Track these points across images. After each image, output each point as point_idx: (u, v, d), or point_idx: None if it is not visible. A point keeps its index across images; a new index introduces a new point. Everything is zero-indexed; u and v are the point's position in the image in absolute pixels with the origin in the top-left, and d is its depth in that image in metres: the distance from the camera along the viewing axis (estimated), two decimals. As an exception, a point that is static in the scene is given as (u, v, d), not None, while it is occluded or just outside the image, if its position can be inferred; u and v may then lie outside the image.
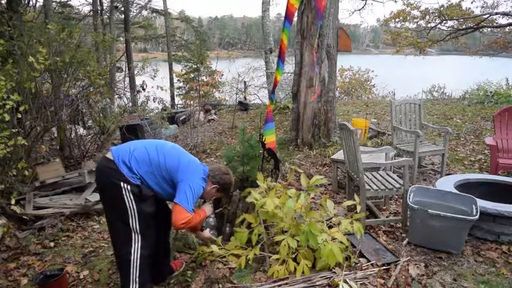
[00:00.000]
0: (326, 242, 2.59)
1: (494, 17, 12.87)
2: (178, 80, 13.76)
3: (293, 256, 2.70)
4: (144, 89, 7.52)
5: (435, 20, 13.77)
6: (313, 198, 4.00)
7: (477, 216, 2.84)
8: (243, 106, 11.23)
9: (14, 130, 3.61)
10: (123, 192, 2.22)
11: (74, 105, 5.50)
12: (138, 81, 9.46)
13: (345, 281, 2.48)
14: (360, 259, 2.84)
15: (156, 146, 2.39)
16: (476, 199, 3.05)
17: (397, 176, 3.64)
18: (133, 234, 2.28)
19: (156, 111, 8.31)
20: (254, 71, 13.13)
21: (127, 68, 12.53)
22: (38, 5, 9.49)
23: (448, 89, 13.74)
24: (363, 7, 15.23)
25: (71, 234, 3.62)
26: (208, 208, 2.67)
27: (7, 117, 3.41)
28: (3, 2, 5.06)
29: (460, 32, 13.64)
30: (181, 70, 13.18)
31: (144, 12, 17.46)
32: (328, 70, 6.11)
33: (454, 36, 13.92)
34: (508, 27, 13.45)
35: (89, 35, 6.75)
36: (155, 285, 2.62)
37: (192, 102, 11.60)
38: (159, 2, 39.05)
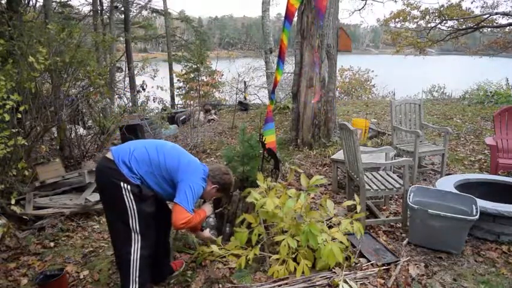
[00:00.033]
0: (326, 242, 2.59)
1: (494, 17, 12.88)
2: (178, 80, 13.76)
3: (293, 256, 2.70)
4: (144, 89, 7.52)
5: (435, 20, 13.78)
6: (313, 198, 4.00)
7: (477, 216, 2.84)
8: (243, 106, 11.22)
9: (14, 130, 3.61)
10: (123, 192, 2.22)
11: (74, 105, 5.50)
12: (138, 81, 9.46)
13: (345, 281, 2.48)
14: (360, 259, 2.84)
15: (156, 146, 2.39)
16: (476, 199, 3.06)
17: (397, 176, 3.64)
18: (133, 234, 2.28)
19: (156, 111, 8.31)
20: (254, 71, 13.12)
21: (127, 68, 12.52)
22: (38, 5, 9.51)
23: (448, 89, 13.75)
24: (362, 7, 15.27)
25: (71, 234, 3.62)
26: (208, 208, 2.67)
27: (7, 117, 3.41)
28: (3, 2, 5.06)
29: (460, 32, 13.65)
30: (181, 70, 13.17)
31: (144, 12, 17.50)
32: (328, 70, 6.11)
33: (454, 36, 13.93)
34: (508, 27, 13.46)
35: (89, 35, 6.75)
36: (155, 285, 2.62)
37: (192, 102, 11.59)
38: (159, 2, 39.11)
